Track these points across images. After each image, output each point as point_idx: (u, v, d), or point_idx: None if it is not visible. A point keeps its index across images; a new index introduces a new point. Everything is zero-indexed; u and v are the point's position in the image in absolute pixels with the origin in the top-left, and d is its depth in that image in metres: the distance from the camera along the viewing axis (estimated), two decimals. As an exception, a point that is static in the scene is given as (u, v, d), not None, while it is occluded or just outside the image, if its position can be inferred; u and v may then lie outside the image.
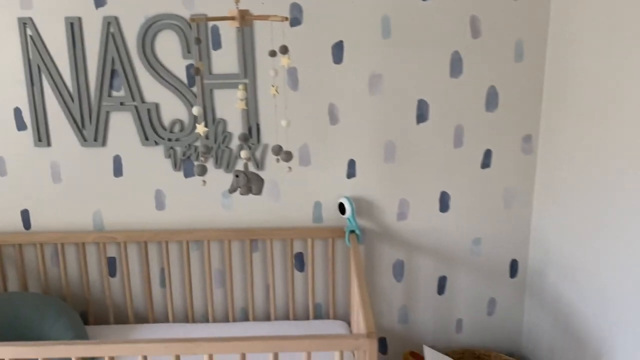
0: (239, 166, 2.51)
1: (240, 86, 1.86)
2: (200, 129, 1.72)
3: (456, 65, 2.43)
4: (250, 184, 1.96)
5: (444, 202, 2.59)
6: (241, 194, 1.96)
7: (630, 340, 1.90)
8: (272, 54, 1.86)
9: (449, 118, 2.49)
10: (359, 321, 1.89)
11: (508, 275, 2.69)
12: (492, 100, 2.47)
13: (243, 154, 1.92)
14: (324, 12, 2.35)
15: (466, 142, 2.52)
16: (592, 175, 2.09)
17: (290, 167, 1.87)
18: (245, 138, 2.00)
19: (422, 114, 2.48)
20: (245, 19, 1.75)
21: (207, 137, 2.46)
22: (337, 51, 2.41)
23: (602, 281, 2.05)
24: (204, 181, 1.77)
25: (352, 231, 2.48)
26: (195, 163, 2.43)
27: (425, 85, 2.45)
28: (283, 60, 1.72)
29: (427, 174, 2.55)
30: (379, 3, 2.36)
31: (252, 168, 2.49)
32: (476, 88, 2.46)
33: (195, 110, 1.69)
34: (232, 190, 1.95)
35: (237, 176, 1.94)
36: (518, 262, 2.67)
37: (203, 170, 1.74)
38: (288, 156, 1.80)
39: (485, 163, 2.54)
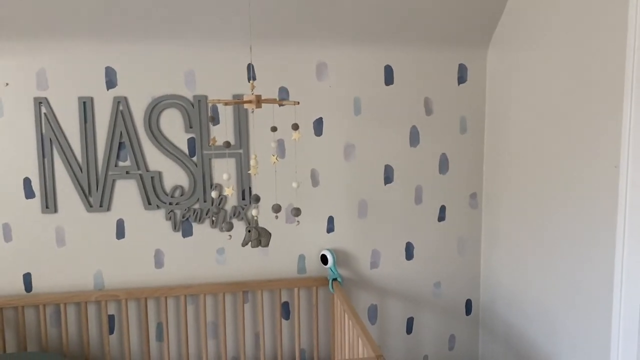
0: (237, 226, 2.83)
1: (253, 155, 2.24)
2: (229, 191, 2.06)
3: (414, 137, 2.95)
4: (261, 237, 2.30)
5: (409, 251, 3.03)
6: (252, 246, 2.28)
7: (575, 356, 2.36)
8: (274, 129, 2.27)
9: (410, 180, 2.98)
10: (357, 349, 2.22)
11: (464, 313, 3.13)
12: (443, 165, 3.00)
13: (254, 212, 2.27)
14: (307, 93, 2.80)
15: (425, 200, 3.00)
16: (527, 222, 2.62)
17: (298, 221, 2.23)
18: (257, 199, 2.35)
19: (388, 177, 2.96)
20: (259, 102, 2.16)
21: (216, 199, 2.79)
22: (318, 126, 2.86)
23: (544, 308, 2.53)
24: (230, 236, 2.09)
25: (335, 279, 2.84)
26: (225, 222, 2.76)
27: (390, 153, 2.94)
28: (295, 135, 2.13)
29: (394, 227, 2.99)
30: (351, 87, 2.86)
31: (236, 224, 2.82)
32: (431, 155, 2.98)
33: (225, 176, 2.05)
34: (244, 243, 2.27)
35: (249, 231, 2.27)
36: (472, 301, 3.13)
37: (230, 227, 2.07)
38: (297, 211, 2.17)
39: (441, 217, 3.03)
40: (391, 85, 2.89)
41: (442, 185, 3.01)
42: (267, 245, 2.30)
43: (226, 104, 2.04)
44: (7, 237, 2.70)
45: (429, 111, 2.94)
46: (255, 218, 2.26)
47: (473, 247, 3.09)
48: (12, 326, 2.73)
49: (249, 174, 2.81)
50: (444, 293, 3.09)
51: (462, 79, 2.95)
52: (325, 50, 2.81)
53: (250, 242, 2.28)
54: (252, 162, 2.22)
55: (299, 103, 2.11)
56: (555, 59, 2.37)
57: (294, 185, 2.18)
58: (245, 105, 2.15)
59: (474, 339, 3.16)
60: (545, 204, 2.48)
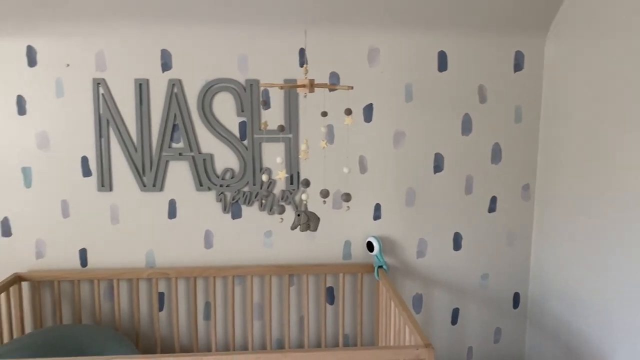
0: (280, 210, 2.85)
1: (304, 140, 2.24)
2: (281, 174, 2.08)
3: (466, 125, 2.89)
4: (310, 221, 2.30)
5: (457, 242, 2.98)
6: (301, 230, 2.29)
7: (630, 352, 2.28)
8: (324, 114, 2.26)
9: (460, 169, 2.92)
10: (403, 337, 2.22)
11: (511, 306, 3.07)
12: (496, 154, 2.93)
13: (304, 196, 2.28)
14: (358, 79, 2.78)
15: (475, 190, 2.95)
16: (581, 215, 2.53)
17: (348, 207, 2.23)
18: (307, 183, 2.36)
19: (438, 165, 2.91)
20: (312, 87, 2.15)
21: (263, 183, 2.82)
22: (368, 112, 2.84)
23: (599, 303, 2.45)
24: (282, 219, 2.11)
25: (380, 266, 2.83)
26: (278, 204, 2.79)
27: (440, 141, 2.89)
28: (347, 120, 2.12)
29: (442, 216, 2.95)
30: (403, 73, 2.82)
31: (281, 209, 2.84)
32: (483, 144, 2.91)
33: (278, 159, 2.06)
34: (293, 227, 2.29)
35: (298, 215, 2.28)
36: (520, 295, 3.06)
37: (282, 210, 2.09)
38: (348, 197, 2.17)
39: (492, 208, 2.97)
40: (444, 72, 2.84)
41: (494, 175, 2.94)
42: (315, 229, 2.30)
43: (281, 87, 2.05)
44: (65, 213, 2.80)
45: (483, 99, 2.87)
46: (304, 202, 2.27)
47: (523, 240, 3.01)
48: (68, 299, 2.84)
49: (299, 158, 2.83)
50: (492, 285, 3.04)
51: (518, 66, 2.86)
52: (378, 36, 2.78)
53: (299, 226, 2.29)
54: (302, 147, 2.22)
55: (352, 88, 2.09)
56: (618, 48, 2.27)
57: (345, 170, 2.17)
58: (298, 90, 2.16)
59: (521, 333, 3.09)
60: (601, 198, 2.39)
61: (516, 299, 3.07)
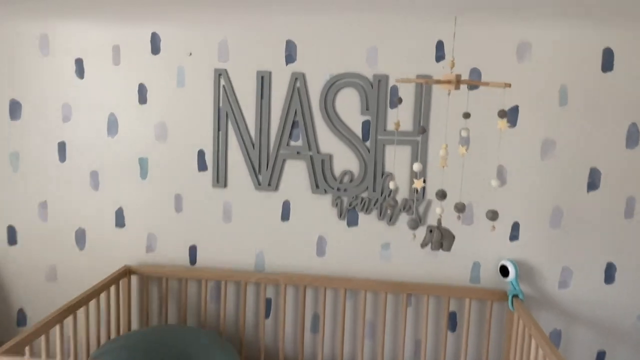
0: (400, 220, 2.57)
1: (444, 145, 1.93)
2: (418, 184, 1.79)
3: (633, 137, 2.43)
4: (442, 239, 1.99)
5: (610, 274, 2.52)
6: (432, 249, 1.98)
7: None
8: (466, 115, 1.94)
9: (621, 188, 2.46)
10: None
11: (673, 356, 2.56)
12: (668, 173, 2.44)
13: (438, 210, 1.97)
14: (501, 78, 2.42)
15: (638, 214, 2.47)
16: None
17: (494, 226, 1.88)
18: (443, 195, 2.05)
19: (593, 182, 2.47)
20: (459, 83, 1.84)
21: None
22: (512, 115, 2.47)
23: None
24: (415, 235, 1.82)
25: (515, 295, 2.45)
26: (409, 217, 2.52)
27: (599, 154, 2.45)
28: (500, 124, 1.78)
29: (594, 243, 2.51)
30: (558, 72, 2.42)
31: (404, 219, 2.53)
32: (652, 160, 2.44)
33: (416, 166, 1.77)
34: (424, 244, 1.99)
35: (431, 231, 1.98)
36: (686, 344, 2.54)
37: (416, 225, 1.80)
38: (494, 215, 1.83)
39: (657, 237, 2.48)
40: (609, 72, 2.39)
41: (663, 198, 2.45)
42: (449, 249, 1.98)
43: (426, 82, 1.76)
44: (178, 208, 2.70)
45: (656, 106, 2.40)
46: (439, 217, 1.97)
47: (696, 279, 2.49)
48: (175, 297, 2.75)
49: (426, 164, 2.53)
50: (650, 329, 2.55)
51: None
52: (531, 28, 2.40)
53: (430, 244, 2.00)
54: (441, 152, 1.92)
55: (510, 85, 1.75)
56: None
57: (494, 183, 1.83)
58: (442, 86, 1.86)
59: (684, 390, 2.57)
60: None
61: (681, 349, 2.55)
